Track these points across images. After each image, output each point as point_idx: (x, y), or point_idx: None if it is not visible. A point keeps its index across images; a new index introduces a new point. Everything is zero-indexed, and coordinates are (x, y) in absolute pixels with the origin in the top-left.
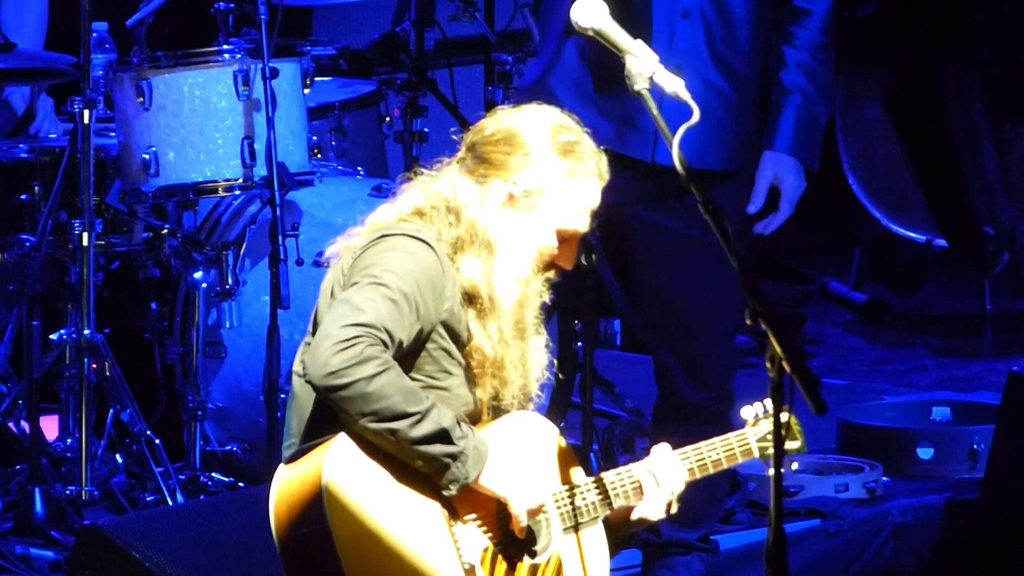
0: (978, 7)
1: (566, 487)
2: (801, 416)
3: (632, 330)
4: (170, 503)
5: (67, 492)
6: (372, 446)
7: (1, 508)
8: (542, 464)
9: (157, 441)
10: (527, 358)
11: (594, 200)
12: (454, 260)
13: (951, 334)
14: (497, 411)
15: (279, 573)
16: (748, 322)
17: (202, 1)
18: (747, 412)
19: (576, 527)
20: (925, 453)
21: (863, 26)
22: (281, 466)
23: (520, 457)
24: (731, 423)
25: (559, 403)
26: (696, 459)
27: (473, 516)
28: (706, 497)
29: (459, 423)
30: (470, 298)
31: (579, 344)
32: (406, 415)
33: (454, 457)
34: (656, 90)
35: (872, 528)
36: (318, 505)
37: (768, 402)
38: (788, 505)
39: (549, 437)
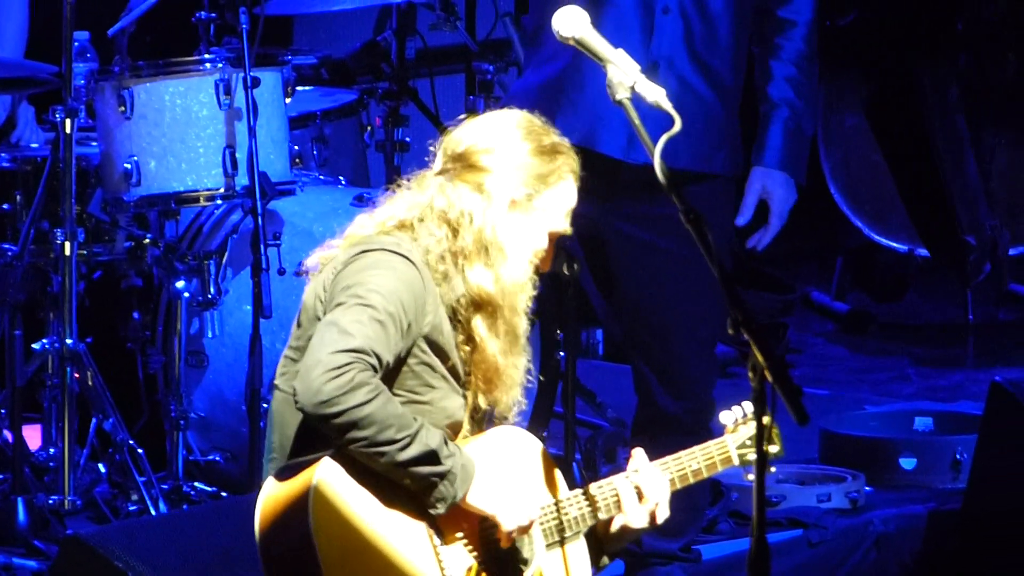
0: (959, 15)
1: (550, 502)
2: (783, 426)
3: (614, 339)
4: (153, 512)
5: (50, 501)
6: (360, 465)
7: None
8: (527, 479)
9: (140, 450)
10: (519, 363)
11: (575, 200)
12: (447, 270)
13: (933, 344)
14: (481, 422)
15: None
16: (730, 331)
17: (183, 10)
18: (726, 417)
19: (560, 542)
20: (908, 463)
21: (844, 34)
22: (269, 479)
23: (506, 473)
24: (711, 434)
25: (541, 412)
26: (676, 469)
27: (458, 535)
28: (686, 506)
29: (446, 442)
30: (479, 305)
31: (561, 353)
32: (395, 439)
33: (442, 476)
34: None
35: (854, 538)
36: (304, 520)
37: (747, 405)
38: (770, 515)
39: (533, 451)
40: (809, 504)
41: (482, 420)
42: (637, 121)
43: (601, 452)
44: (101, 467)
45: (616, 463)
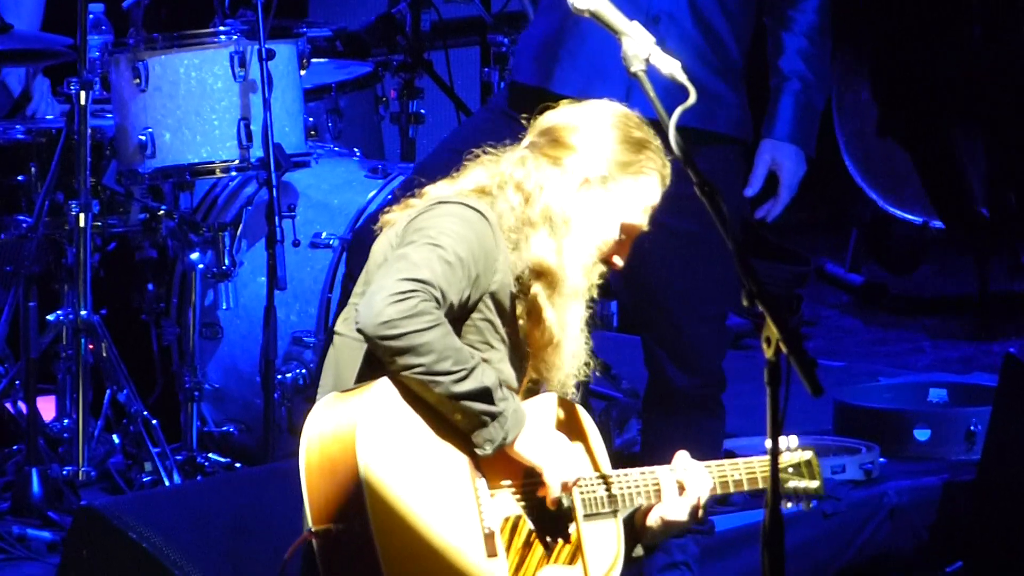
0: None
1: (594, 475)
2: (798, 398)
3: (628, 312)
4: (167, 484)
5: (64, 472)
6: (412, 395)
7: None
8: (573, 447)
9: (154, 422)
10: (576, 349)
11: (656, 199)
12: (518, 238)
13: (948, 315)
14: (534, 395)
15: (276, 553)
16: (744, 303)
17: None
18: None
19: (596, 516)
20: (922, 434)
21: (859, 7)
22: (321, 401)
23: (555, 432)
24: (723, 408)
25: None
26: (719, 475)
27: (501, 482)
28: None
29: (501, 386)
30: (540, 275)
31: None
32: (451, 371)
33: (493, 416)
34: (652, 71)
35: (868, 509)
36: (349, 443)
37: (793, 440)
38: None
39: (581, 423)
40: (823, 475)
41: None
42: (652, 93)
43: (615, 423)
44: (115, 438)
45: (630, 434)
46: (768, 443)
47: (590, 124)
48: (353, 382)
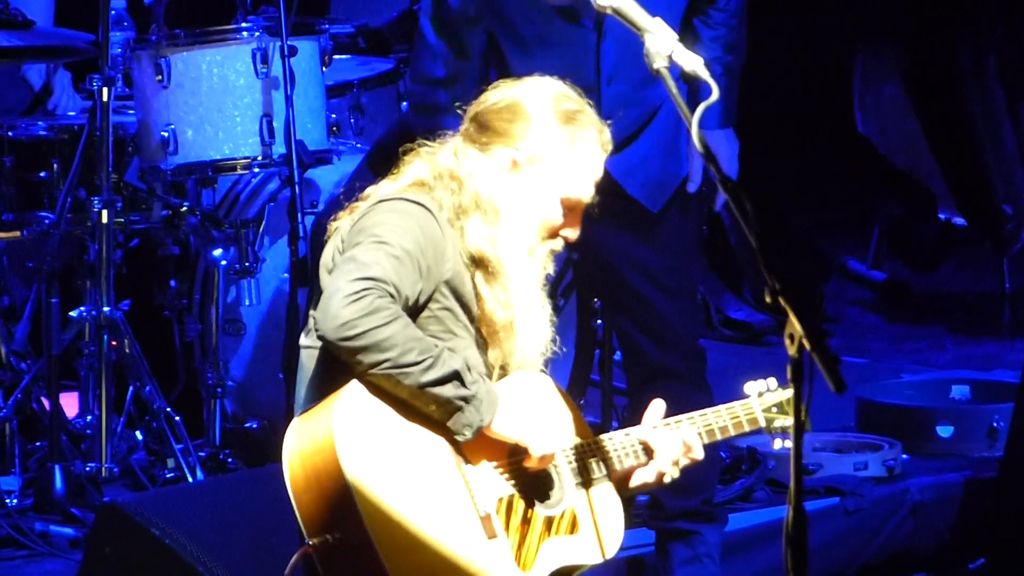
0: None
1: (576, 443)
2: (820, 394)
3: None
4: (189, 480)
5: (87, 469)
6: (383, 394)
7: (21, 485)
8: (552, 416)
9: (176, 418)
10: (533, 328)
11: (597, 170)
12: (457, 226)
13: (970, 313)
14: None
15: (298, 548)
16: (767, 300)
17: None
18: (751, 388)
19: (586, 483)
20: (944, 431)
21: (882, 4)
22: (295, 418)
23: (531, 406)
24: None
25: (578, 381)
26: (704, 425)
27: (486, 465)
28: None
29: (469, 369)
30: (477, 262)
31: (598, 321)
32: (418, 361)
33: (467, 400)
34: (675, 69)
35: (891, 506)
36: (330, 452)
37: (772, 381)
38: (807, 483)
39: (555, 395)
40: (846, 472)
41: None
42: (675, 91)
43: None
44: (138, 435)
45: None
46: (750, 388)
47: (516, 103)
48: (325, 391)
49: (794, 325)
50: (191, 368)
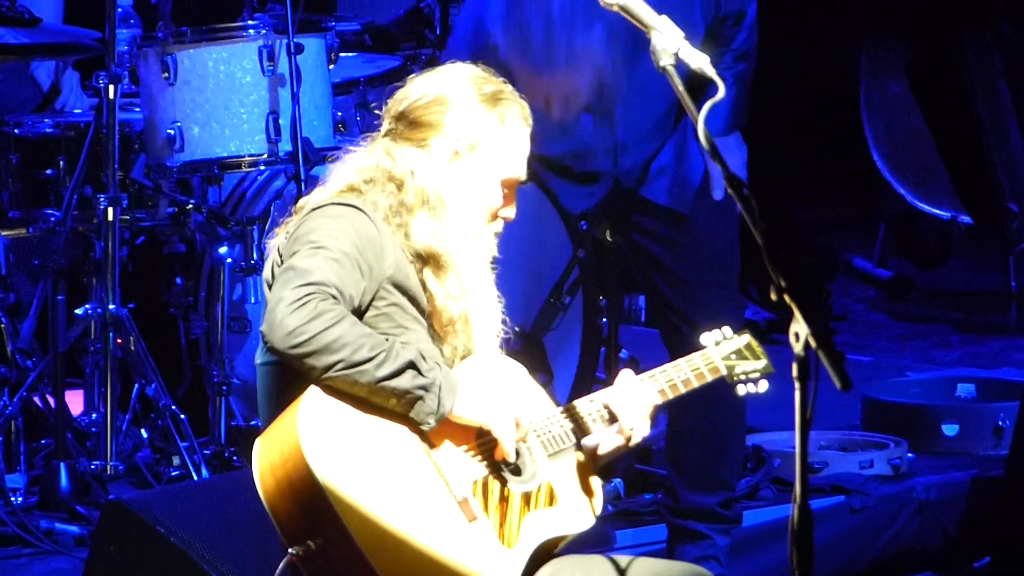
0: None
1: (541, 416)
2: (826, 392)
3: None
4: (195, 478)
5: (92, 467)
6: (344, 395)
7: (26, 482)
8: (513, 393)
9: (182, 416)
10: (487, 315)
11: (527, 146)
12: (395, 224)
13: (975, 310)
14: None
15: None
16: (773, 298)
17: None
18: (706, 338)
19: (558, 454)
20: (950, 429)
21: (887, 3)
22: (258, 438)
23: (491, 386)
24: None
25: (584, 379)
26: (665, 380)
27: (455, 450)
28: (719, 460)
29: (424, 357)
30: (426, 259)
31: (604, 320)
32: (371, 357)
33: (426, 388)
34: (681, 67)
35: (897, 505)
36: (299, 460)
37: (727, 330)
38: (813, 481)
39: (513, 370)
40: (852, 470)
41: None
42: (681, 88)
43: None
44: (143, 432)
45: (659, 428)
46: (706, 339)
47: (442, 95)
48: (287, 405)
49: (799, 323)
50: (197, 366)
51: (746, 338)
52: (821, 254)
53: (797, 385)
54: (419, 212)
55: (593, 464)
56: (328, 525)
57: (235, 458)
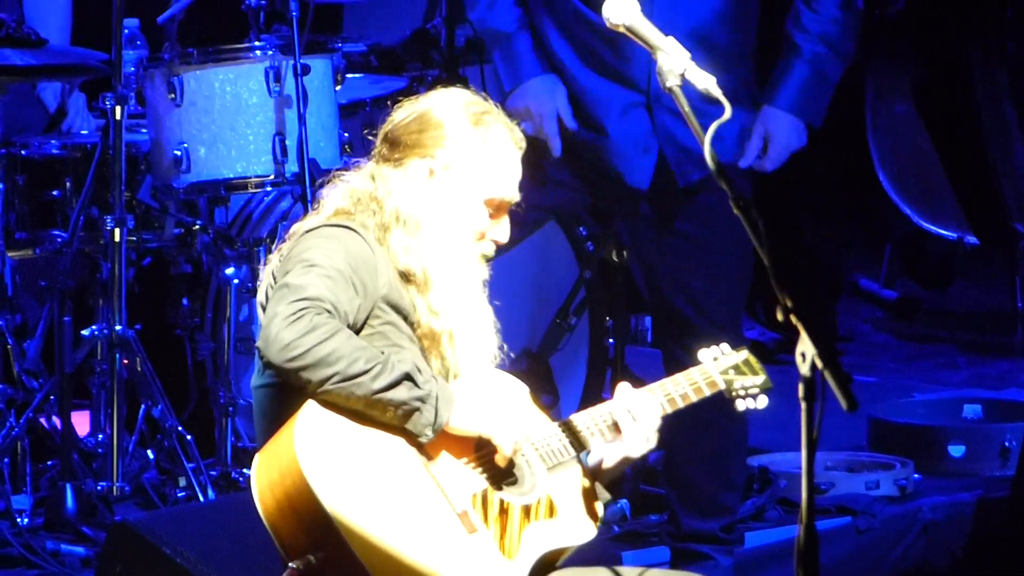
0: (1008, 2)
1: (540, 430)
2: (832, 413)
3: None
4: (201, 499)
5: (98, 488)
6: (340, 409)
7: (32, 504)
8: (511, 405)
9: (188, 437)
10: (474, 335)
11: (515, 168)
12: (383, 243)
13: (982, 331)
14: None
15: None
16: (779, 318)
17: None
18: (704, 355)
19: (556, 467)
20: (956, 450)
21: (893, 23)
22: (256, 455)
23: (489, 398)
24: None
25: (590, 400)
26: (664, 394)
27: (454, 463)
28: (723, 484)
29: (419, 370)
30: (406, 277)
31: (610, 340)
32: (367, 369)
33: (423, 400)
34: (688, 87)
35: (903, 525)
36: (297, 475)
37: (725, 346)
38: (819, 502)
39: (513, 386)
40: (858, 491)
41: None
42: (687, 108)
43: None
44: (150, 453)
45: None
46: (703, 355)
47: (423, 115)
48: (282, 424)
49: (806, 343)
50: (203, 387)
51: (744, 354)
52: (827, 274)
53: (803, 406)
54: (395, 230)
55: (600, 478)
56: (328, 540)
57: (241, 479)
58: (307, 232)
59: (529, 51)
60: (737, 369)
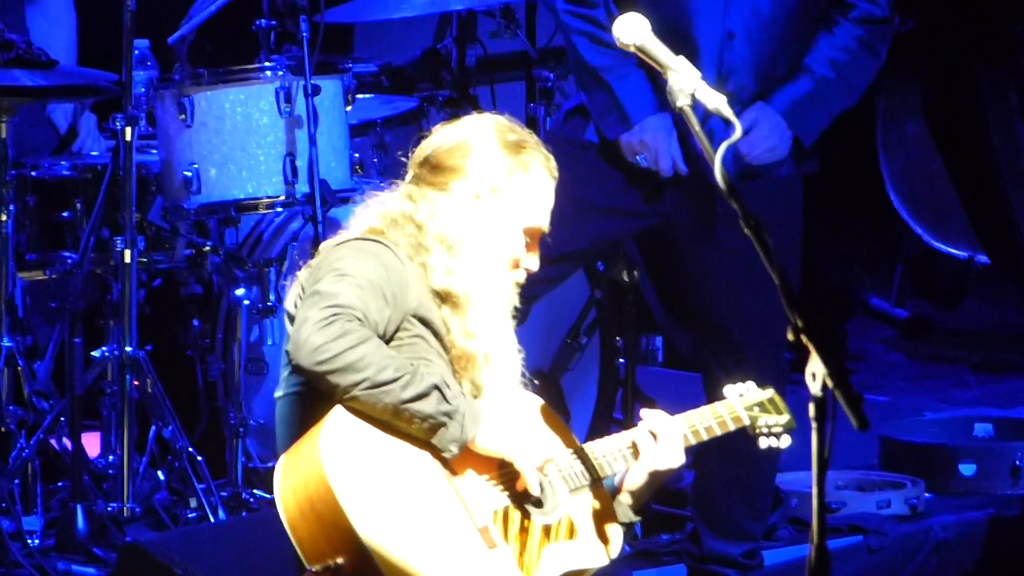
0: (1018, 21)
1: (564, 451)
2: (843, 432)
3: (674, 346)
4: (212, 520)
5: (109, 509)
6: (364, 418)
7: (43, 525)
8: (536, 426)
9: (199, 458)
10: (503, 360)
11: (550, 197)
12: (417, 262)
13: (993, 350)
14: None
15: None
16: (789, 337)
17: (244, 18)
18: (729, 391)
19: (578, 489)
20: (967, 469)
21: (903, 42)
22: (281, 456)
23: (514, 419)
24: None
25: (601, 420)
26: (688, 426)
27: (477, 479)
28: (748, 511)
29: (448, 384)
30: (444, 297)
31: (621, 360)
32: (396, 377)
33: (450, 415)
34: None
35: (914, 544)
36: (321, 480)
37: (751, 384)
38: (830, 521)
39: (537, 408)
40: (869, 510)
41: None
42: (698, 128)
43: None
44: (160, 474)
45: (685, 466)
46: (729, 391)
47: (465, 141)
48: (305, 432)
49: (817, 363)
50: (214, 408)
51: (770, 392)
52: (838, 294)
53: (814, 425)
54: (436, 251)
55: (634, 501)
56: (348, 547)
57: (252, 500)
58: (339, 244)
59: (647, 88)
60: (762, 407)
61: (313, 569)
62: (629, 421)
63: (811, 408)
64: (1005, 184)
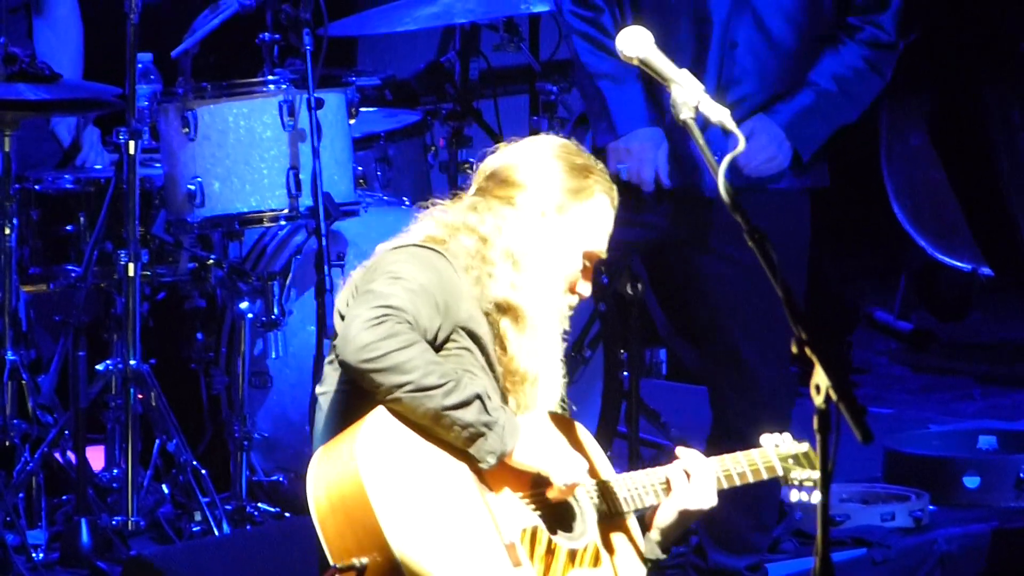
0: (1022, 35)
1: (598, 480)
2: (847, 444)
3: (678, 359)
4: (216, 533)
5: (113, 522)
6: (404, 421)
7: (47, 539)
8: (573, 452)
9: (203, 471)
10: (551, 380)
11: (610, 225)
12: (479, 276)
13: (997, 362)
14: None
15: None
16: (793, 350)
17: (247, 32)
18: (765, 440)
19: (608, 519)
20: (971, 482)
21: (908, 55)
22: (318, 448)
23: (552, 439)
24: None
25: (605, 433)
26: (722, 469)
27: (509, 495)
28: (753, 524)
29: (490, 396)
30: (504, 310)
31: (625, 373)
32: (439, 384)
33: (489, 426)
34: (700, 119)
35: (918, 557)
36: (355, 480)
37: (787, 436)
38: (834, 534)
39: (577, 432)
40: (873, 523)
41: None
42: (701, 141)
43: None
44: (165, 488)
45: None
46: (765, 440)
47: (533, 159)
48: (343, 430)
49: (820, 375)
50: (218, 421)
51: (805, 446)
52: (842, 306)
53: (818, 437)
54: (500, 264)
55: (664, 538)
56: (375, 548)
57: (256, 513)
58: (396, 248)
59: (640, 100)
60: (796, 460)
61: (337, 567)
62: (633, 434)
63: (815, 421)
64: (1009, 197)
